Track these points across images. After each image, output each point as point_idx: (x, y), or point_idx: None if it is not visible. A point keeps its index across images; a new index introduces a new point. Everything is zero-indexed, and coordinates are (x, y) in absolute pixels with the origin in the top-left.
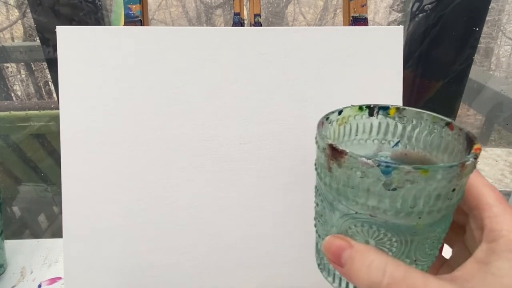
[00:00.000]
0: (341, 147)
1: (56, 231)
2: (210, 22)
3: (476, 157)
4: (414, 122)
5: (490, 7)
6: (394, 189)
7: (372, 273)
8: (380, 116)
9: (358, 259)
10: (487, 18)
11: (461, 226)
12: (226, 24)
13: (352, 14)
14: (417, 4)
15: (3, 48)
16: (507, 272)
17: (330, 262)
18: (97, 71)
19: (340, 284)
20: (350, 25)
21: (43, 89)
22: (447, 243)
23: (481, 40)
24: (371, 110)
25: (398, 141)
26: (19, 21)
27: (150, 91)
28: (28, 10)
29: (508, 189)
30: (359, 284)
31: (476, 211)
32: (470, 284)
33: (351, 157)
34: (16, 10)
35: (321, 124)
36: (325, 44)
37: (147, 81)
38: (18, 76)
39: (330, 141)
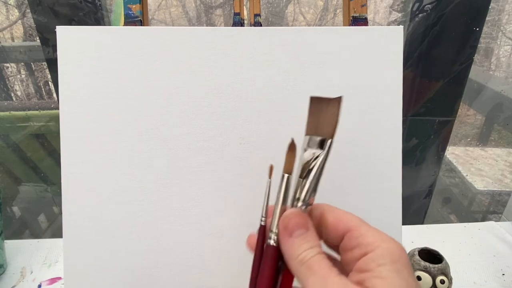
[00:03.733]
0: None
1: (56, 231)
2: (210, 22)
3: None
4: None
5: (490, 7)
6: None
7: (308, 252)
8: None
9: (307, 240)
10: (487, 18)
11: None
12: (226, 24)
13: (352, 14)
14: (417, 4)
15: (3, 48)
16: (387, 274)
17: (281, 226)
18: (97, 71)
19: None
20: (350, 25)
21: (43, 89)
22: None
23: (481, 40)
24: None
25: None
26: (19, 21)
27: (150, 91)
28: (28, 10)
29: (508, 189)
30: (289, 254)
31: (349, 233)
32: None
33: None
34: (16, 10)
35: None
36: (325, 44)
37: (147, 81)
38: (18, 76)
39: None
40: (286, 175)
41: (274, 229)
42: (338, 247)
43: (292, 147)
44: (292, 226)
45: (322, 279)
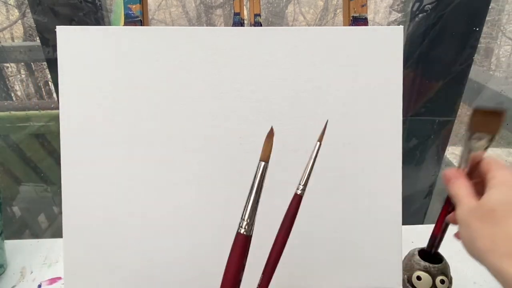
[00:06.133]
0: None
1: (56, 231)
2: (210, 22)
3: None
4: None
5: (490, 7)
6: None
7: (457, 191)
8: None
9: (458, 184)
10: (487, 18)
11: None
12: (226, 24)
13: (352, 14)
14: (417, 4)
15: (3, 48)
16: (495, 189)
17: (446, 178)
18: (97, 71)
19: None
20: (350, 25)
21: (43, 89)
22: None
23: (481, 40)
24: None
25: None
26: (19, 21)
27: (150, 91)
28: (28, 10)
29: None
30: (451, 190)
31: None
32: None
33: None
34: (16, 10)
35: None
36: (325, 44)
37: (147, 81)
38: (18, 76)
39: None
40: (262, 163)
41: (246, 217)
42: None
43: (270, 134)
44: (449, 177)
45: (460, 201)
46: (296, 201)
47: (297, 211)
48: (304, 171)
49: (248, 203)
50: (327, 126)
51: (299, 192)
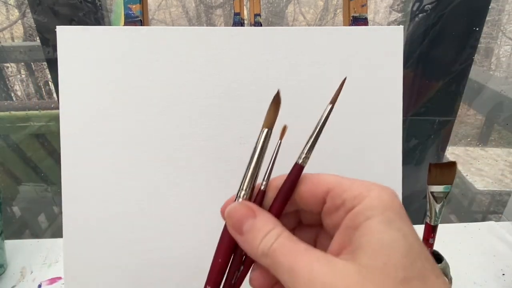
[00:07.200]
0: None
1: (56, 231)
2: (210, 22)
3: None
4: None
5: (490, 7)
6: None
7: (265, 241)
8: None
9: (258, 228)
10: (487, 18)
11: (314, 225)
12: (226, 24)
13: (352, 14)
14: (417, 4)
15: (3, 48)
16: (375, 228)
17: (229, 228)
18: (97, 71)
19: None
20: (350, 25)
21: (43, 89)
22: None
23: (481, 40)
24: None
25: None
26: (19, 21)
27: (150, 91)
28: (28, 10)
29: (508, 189)
30: (252, 252)
31: (330, 193)
32: (350, 248)
33: None
34: (16, 10)
35: None
36: (325, 44)
37: (147, 81)
38: (18, 76)
39: None
40: (265, 130)
41: (245, 187)
42: (321, 219)
43: (277, 99)
44: (237, 223)
45: (290, 270)
46: (296, 171)
47: (296, 182)
48: (309, 138)
49: (248, 173)
50: (343, 87)
51: (300, 161)
